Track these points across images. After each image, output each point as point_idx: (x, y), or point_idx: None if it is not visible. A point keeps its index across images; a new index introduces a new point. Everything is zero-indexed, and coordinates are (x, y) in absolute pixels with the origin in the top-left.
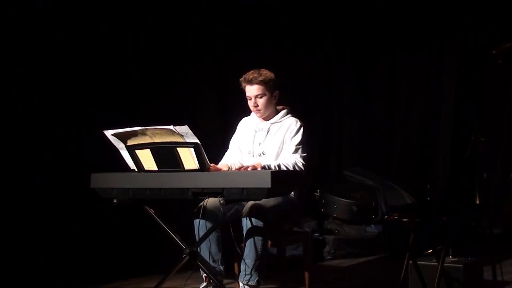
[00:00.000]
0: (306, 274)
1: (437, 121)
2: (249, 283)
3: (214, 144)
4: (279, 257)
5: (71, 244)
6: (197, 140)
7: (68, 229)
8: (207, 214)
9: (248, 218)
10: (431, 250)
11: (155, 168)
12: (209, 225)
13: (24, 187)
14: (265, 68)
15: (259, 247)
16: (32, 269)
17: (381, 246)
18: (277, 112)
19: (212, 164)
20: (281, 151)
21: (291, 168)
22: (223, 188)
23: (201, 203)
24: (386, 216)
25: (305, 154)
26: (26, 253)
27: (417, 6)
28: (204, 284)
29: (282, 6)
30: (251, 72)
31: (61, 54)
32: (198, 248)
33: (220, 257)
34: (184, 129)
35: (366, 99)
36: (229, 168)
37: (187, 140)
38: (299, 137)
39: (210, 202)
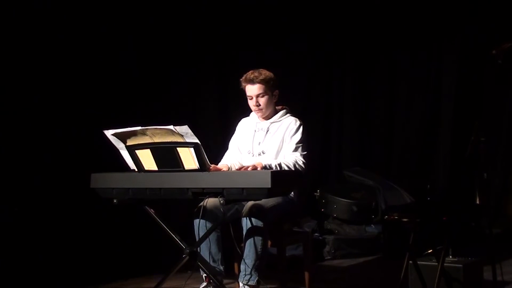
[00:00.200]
0: (306, 274)
1: (437, 121)
2: (249, 283)
3: (214, 144)
4: (279, 257)
5: (71, 244)
6: (197, 140)
7: (68, 229)
8: (207, 214)
9: (248, 218)
10: (431, 250)
11: (155, 168)
12: (209, 225)
13: (24, 187)
14: (265, 68)
15: (259, 247)
16: (32, 269)
17: (381, 246)
18: (277, 111)
19: (212, 165)
20: (280, 150)
21: (291, 167)
22: (223, 188)
23: (201, 203)
24: (386, 216)
25: (305, 152)
26: (26, 253)
27: (417, 6)
28: (204, 284)
29: (282, 6)
30: (251, 71)
31: (61, 54)
32: (198, 248)
33: (220, 257)
34: (184, 129)
35: (366, 99)
36: (229, 168)
37: (187, 140)
38: (299, 135)
39: (210, 202)
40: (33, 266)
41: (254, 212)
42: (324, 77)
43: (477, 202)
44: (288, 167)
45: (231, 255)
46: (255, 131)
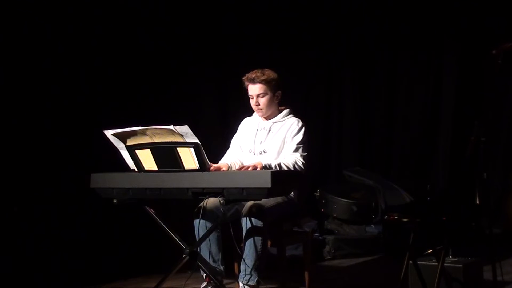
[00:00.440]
0: (306, 274)
1: (437, 121)
2: (249, 283)
3: (214, 144)
4: (279, 257)
5: (71, 244)
6: (197, 140)
7: (68, 229)
8: (207, 214)
9: (248, 218)
10: (431, 250)
11: (155, 168)
12: (209, 225)
13: (24, 187)
14: (265, 68)
15: (259, 247)
16: (32, 269)
17: (381, 246)
18: (279, 112)
19: (212, 165)
20: (282, 150)
21: (291, 167)
22: (223, 188)
23: (201, 203)
24: (386, 216)
25: (305, 153)
26: (26, 253)
27: (417, 6)
28: (205, 284)
29: (282, 6)
30: (254, 71)
31: (62, 54)
32: (198, 248)
33: (220, 257)
34: (184, 129)
35: (366, 99)
36: (229, 167)
37: (187, 140)
38: (300, 136)
39: (210, 202)
40: (33, 266)
41: (254, 212)
42: (324, 77)
43: (477, 202)
44: (287, 167)
45: (231, 255)
46: (257, 130)
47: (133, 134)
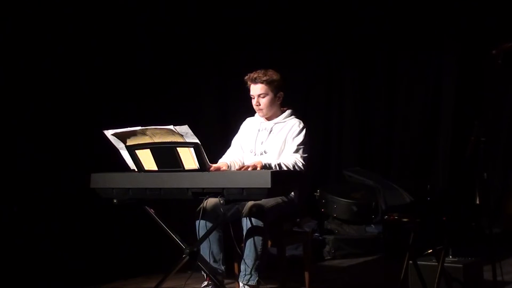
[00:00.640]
0: (306, 274)
1: (437, 121)
2: (249, 283)
3: (214, 144)
4: (279, 257)
5: (71, 244)
6: (197, 140)
7: (68, 229)
8: (208, 214)
9: (248, 218)
10: (431, 250)
11: (155, 168)
12: (209, 225)
13: (24, 187)
14: (265, 68)
15: (259, 247)
16: (32, 269)
17: (381, 246)
18: (281, 112)
19: (212, 165)
20: (282, 150)
21: (291, 167)
22: (223, 188)
23: (202, 204)
24: (386, 216)
25: (305, 155)
26: (26, 253)
27: (417, 6)
28: (205, 283)
29: (282, 7)
30: (257, 71)
31: (62, 54)
32: (198, 248)
33: (221, 257)
34: (184, 129)
35: (366, 99)
36: (228, 166)
37: (187, 140)
38: (301, 137)
39: (212, 202)
40: (33, 266)
41: (254, 212)
42: (324, 77)
43: (477, 202)
44: (287, 167)
45: (231, 255)
46: (258, 130)
47: (133, 134)
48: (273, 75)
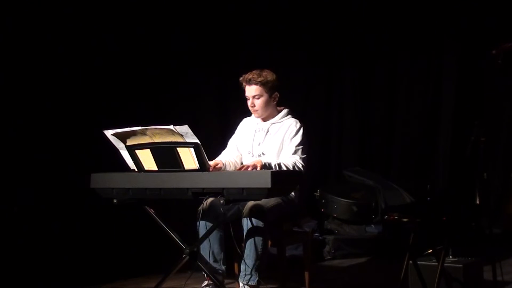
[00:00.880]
0: (306, 274)
1: (437, 121)
2: (249, 283)
3: (214, 144)
4: (279, 257)
5: (71, 244)
6: (197, 140)
7: (68, 229)
8: (209, 214)
9: (248, 218)
10: (431, 250)
11: (155, 168)
12: (210, 225)
13: (24, 187)
14: (265, 68)
15: (259, 247)
16: (32, 269)
17: (381, 246)
18: (278, 112)
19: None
20: (280, 151)
21: (290, 168)
22: (223, 188)
23: (202, 204)
24: (386, 216)
25: (304, 155)
26: (26, 253)
27: (417, 6)
28: (206, 283)
29: (282, 7)
30: (252, 72)
31: (62, 54)
32: (198, 248)
33: (222, 257)
34: (184, 129)
35: (366, 99)
36: (223, 164)
37: (187, 140)
38: (298, 138)
39: (213, 202)
40: (33, 266)
41: (254, 213)
42: (324, 77)
43: (477, 202)
44: (287, 167)
45: (231, 255)
46: (255, 131)
47: (133, 134)
48: (267, 75)
